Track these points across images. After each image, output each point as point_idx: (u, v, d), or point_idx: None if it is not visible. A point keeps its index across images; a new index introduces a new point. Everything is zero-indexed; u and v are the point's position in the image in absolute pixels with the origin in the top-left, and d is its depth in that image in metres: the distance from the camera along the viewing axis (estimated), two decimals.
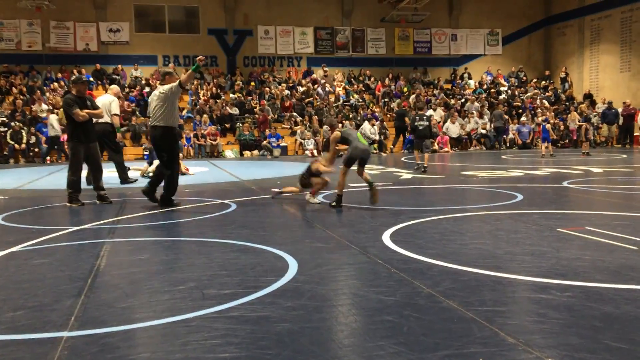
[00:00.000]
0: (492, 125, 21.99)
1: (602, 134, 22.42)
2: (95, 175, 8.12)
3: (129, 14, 23.89)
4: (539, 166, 13.14)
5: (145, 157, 14.69)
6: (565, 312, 3.14)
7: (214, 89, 22.90)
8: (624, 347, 2.62)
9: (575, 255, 4.44)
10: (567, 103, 24.92)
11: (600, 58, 25.06)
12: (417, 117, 12.86)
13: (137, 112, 20.71)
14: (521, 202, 7.43)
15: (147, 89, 22.16)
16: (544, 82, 26.67)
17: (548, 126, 17.33)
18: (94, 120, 8.30)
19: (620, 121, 21.49)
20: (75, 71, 21.21)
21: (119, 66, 23.37)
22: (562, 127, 22.13)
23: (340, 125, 19.98)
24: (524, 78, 26.96)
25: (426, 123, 12.73)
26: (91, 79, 21.46)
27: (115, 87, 11.65)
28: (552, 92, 25.78)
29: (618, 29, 23.94)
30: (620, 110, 21.52)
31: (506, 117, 22.58)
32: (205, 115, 20.14)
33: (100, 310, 3.32)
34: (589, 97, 24.78)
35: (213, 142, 19.20)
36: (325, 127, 7.24)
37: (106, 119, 10.30)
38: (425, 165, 12.39)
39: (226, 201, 7.97)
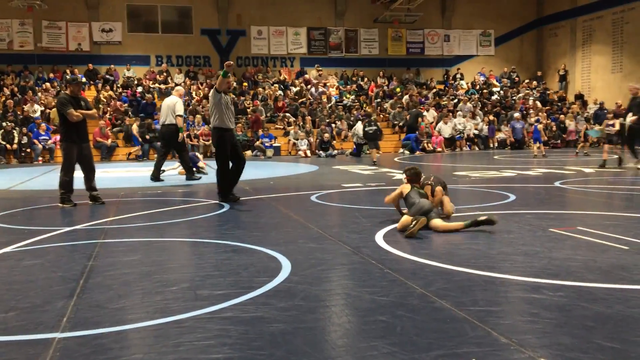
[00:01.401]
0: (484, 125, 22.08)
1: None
2: (88, 176, 8.08)
3: (121, 14, 23.82)
4: (531, 166, 13.19)
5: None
6: (557, 311, 3.15)
7: (206, 89, 22.86)
8: (615, 347, 2.64)
9: (567, 255, 4.46)
10: (560, 103, 25.04)
11: (592, 59, 25.20)
12: (367, 123, 15.62)
13: (130, 113, 20.65)
14: (514, 203, 7.45)
15: (139, 89, 22.12)
16: (535, 82, 26.78)
17: (540, 127, 17.41)
18: (161, 121, 9.03)
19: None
20: (68, 71, 21.14)
21: (112, 66, 23.30)
22: (554, 128, 22.26)
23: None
24: (517, 79, 27.07)
25: (375, 127, 15.42)
26: (84, 79, 21.37)
27: (180, 89, 11.89)
28: (540, 93, 25.86)
29: (610, 30, 24.08)
30: (612, 110, 21.62)
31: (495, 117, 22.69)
32: (198, 116, 20.11)
33: (92, 312, 3.31)
34: (580, 97, 24.91)
35: (206, 143, 19.14)
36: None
37: (171, 120, 10.76)
38: (375, 160, 15.10)
39: (219, 201, 7.95)
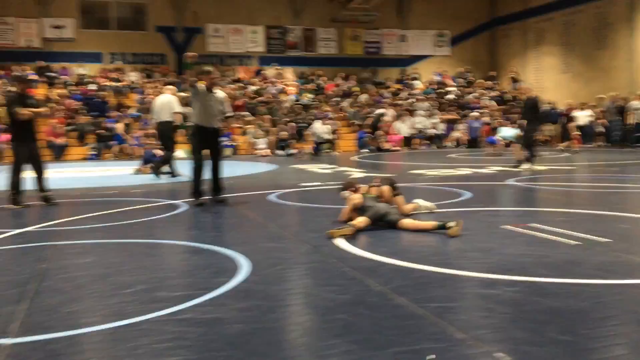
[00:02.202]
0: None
1: (545, 133, 23.16)
2: (39, 176, 7.85)
3: (73, 10, 23.18)
4: (486, 164, 13.47)
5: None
6: (511, 306, 3.22)
7: (162, 86, 22.48)
8: (567, 340, 2.71)
9: (521, 251, 4.57)
10: (514, 103, 25.65)
11: (543, 60, 25.91)
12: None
13: (83, 111, 20.14)
14: (469, 200, 7.60)
15: (93, 87, 21.59)
16: (489, 82, 27.36)
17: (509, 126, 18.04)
18: (156, 119, 9.07)
19: (564, 121, 22.29)
20: (17, 68, 20.44)
21: (63, 63, 22.65)
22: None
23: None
24: (471, 79, 27.60)
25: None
26: (34, 76, 20.71)
27: (172, 87, 12.32)
28: (500, 93, 26.45)
29: (560, 32, 24.81)
30: (562, 110, 22.33)
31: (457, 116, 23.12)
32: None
33: (44, 316, 3.21)
34: None
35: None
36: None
37: (167, 117, 10.94)
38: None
39: (176, 201, 7.85)
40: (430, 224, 5.46)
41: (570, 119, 20.14)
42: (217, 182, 7.85)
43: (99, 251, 4.98)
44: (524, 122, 12.41)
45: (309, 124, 20.82)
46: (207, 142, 7.68)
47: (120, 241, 5.41)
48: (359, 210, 5.71)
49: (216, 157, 7.83)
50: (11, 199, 7.56)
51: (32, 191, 7.95)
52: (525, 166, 12.00)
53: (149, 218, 6.58)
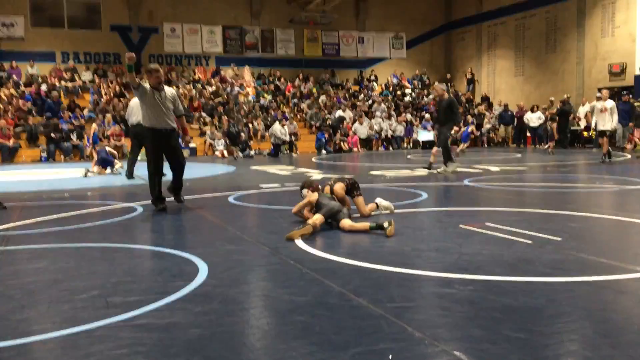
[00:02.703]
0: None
1: (499, 134, 23.74)
2: None
3: (23, 8, 22.50)
4: (442, 165, 13.67)
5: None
6: (468, 305, 3.28)
7: (117, 87, 22.04)
8: (522, 337, 2.78)
9: (476, 250, 4.66)
10: (467, 105, 26.17)
11: (497, 63, 26.53)
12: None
13: (34, 112, 19.55)
14: (426, 200, 7.70)
15: (44, 87, 20.98)
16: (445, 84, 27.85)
17: (471, 128, 18.41)
18: (132, 121, 8.81)
19: (515, 122, 22.89)
20: None
21: (13, 62, 21.94)
22: (461, 128, 23.28)
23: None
24: (427, 81, 28.02)
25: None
26: None
27: None
28: (454, 95, 26.95)
29: (513, 35, 25.45)
30: (515, 112, 22.92)
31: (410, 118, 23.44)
32: (108, 115, 19.33)
33: None
34: (486, 99, 26.16)
35: (117, 143, 18.43)
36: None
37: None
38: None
39: (132, 204, 7.69)
40: (364, 225, 5.48)
41: (554, 120, 20.58)
42: (177, 182, 7.63)
43: (52, 256, 4.84)
44: (446, 123, 11.90)
45: (268, 126, 20.76)
46: (162, 144, 7.29)
47: (74, 245, 5.26)
48: (315, 207, 5.75)
49: (176, 159, 7.52)
50: None
51: None
52: (441, 169, 11.70)
53: (104, 221, 6.43)
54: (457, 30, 28.82)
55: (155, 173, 7.32)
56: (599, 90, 15.94)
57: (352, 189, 6.29)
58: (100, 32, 23.65)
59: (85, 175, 12.02)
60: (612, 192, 8.58)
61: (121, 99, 20.98)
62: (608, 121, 13.74)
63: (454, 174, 11.22)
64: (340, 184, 6.19)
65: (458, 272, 3.96)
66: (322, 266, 4.22)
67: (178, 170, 7.59)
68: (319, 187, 6.19)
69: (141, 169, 11.47)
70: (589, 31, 21.77)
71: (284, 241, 5.10)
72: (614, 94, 20.74)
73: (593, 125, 14.53)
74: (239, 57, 25.57)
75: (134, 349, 2.72)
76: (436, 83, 14.14)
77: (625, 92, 18.98)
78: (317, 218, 5.44)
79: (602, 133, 14.00)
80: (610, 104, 13.78)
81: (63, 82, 21.86)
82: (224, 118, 20.88)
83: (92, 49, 23.50)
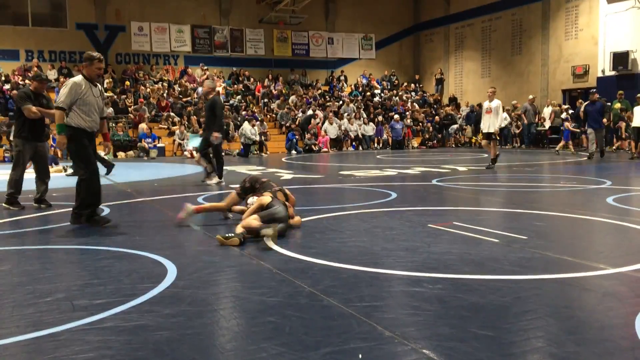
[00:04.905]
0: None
1: (466, 135, 24.08)
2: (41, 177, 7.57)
3: None
4: (410, 165, 13.82)
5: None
6: (436, 303, 3.31)
7: None
8: (489, 335, 2.82)
9: (444, 249, 4.71)
10: (436, 106, 26.47)
11: (464, 64, 26.88)
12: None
13: None
14: (395, 200, 7.76)
15: (7, 86, 20.46)
16: (413, 85, 28.12)
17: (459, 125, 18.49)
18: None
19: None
20: None
21: None
22: (430, 129, 23.61)
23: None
24: (396, 82, 28.24)
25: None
26: None
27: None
28: (421, 96, 27.23)
29: (479, 37, 25.83)
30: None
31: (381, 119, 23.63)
32: None
33: None
34: (454, 100, 26.50)
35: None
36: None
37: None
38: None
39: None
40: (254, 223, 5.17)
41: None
42: (98, 196, 6.29)
43: (14, 259, 4.72)
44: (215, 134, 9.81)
45: (238, 126, 20.65)
46: (90, 148, 6.19)
47: (38, 247, 5.15)
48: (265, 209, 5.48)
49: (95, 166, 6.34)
50: (7, 198, 7.32)
51: None
52: (210, 180, 10.00)
53: (69, 223, 6.29)
54: (426, 32, 29.12)
55: (89, 181, 6.12)
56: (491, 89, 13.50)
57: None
58: (66, 30, 23.18)
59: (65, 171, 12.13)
60: (576, 191, 8.77)
61: None
62: (492, 123, 12.49)
63: (218, 185, 9.77)
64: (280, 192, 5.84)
65: (427, 271, 4.00)
66: (293, 266, 4.22)
67: (98, 179, 6.33)
68: (272, 187, 5.87)
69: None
70: (553, 34, 22.23)
71: (255, 242, 5.07)
72: (578, 95, 21.27)
73: (481, 126, 13.16)
74: (208, 56, 25.36)
75: (100, 352, 2.67)
76: (207, 80, 12.28)
77: (593, 90, 17.16)
78: (254, 218, 5.20)
79: (487, 136, 12.80)
80: (495, 104, 12.53)
81: (27, 81, 21.33)
82: (193, 118, 20.68)
83: (57, 47, 23.01)
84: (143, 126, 19.93)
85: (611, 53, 19.52)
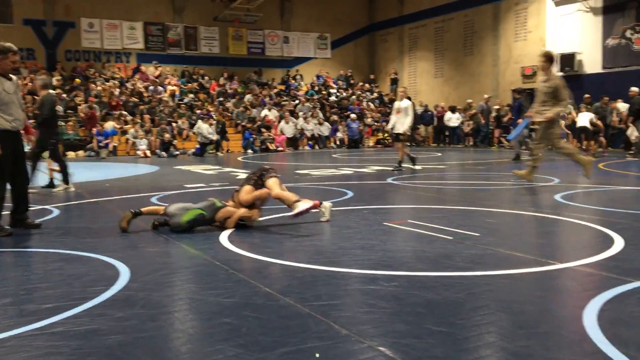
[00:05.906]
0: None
1: (420, 133, 24.44)
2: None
3: None
4: (366, 164, 13.93)
5: None
6: (392, 301, 3.35)
7: (30, 84, 20.92)
8: (444, 331, 2.87)
9: (399, 247, 4.77)
10: (391, 105, 26.76)
11: (418, 64, 27.27)
12: None
13: None
14: (351, 199, 7.81)
15: None
16: (368, 84, 28.36)
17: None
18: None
19: (435, 122, 23.71)
20: None
21: None
22: (386, 128, 23.82)
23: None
24: (352, 81, 28.42)
25: None
26: None
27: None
28: (378, 96, 27.48)
29: (432, 38, 26.24)
30: (434, 112, 23.73)
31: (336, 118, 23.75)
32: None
33: None
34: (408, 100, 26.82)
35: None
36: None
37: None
38: None
39: (47, 207, 7.33)
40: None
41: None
42: (25, 202, 5.99)
43: None
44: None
45: (193, 124, 20.38)
46: (14, 151, 5.73)
47: None
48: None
49: (22, 167, 5.94)
50: None
51: None
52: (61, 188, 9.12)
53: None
54: (380, 32, 29.40)
55: (3, 184, 5.68)
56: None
57: (259, 178, 5.97)
58: (12, 26, 22.36)
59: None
60: (526, 188, 9.01)
61: (35, 96, 19.91)
62: (401, 123, 11.99)
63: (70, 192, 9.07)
64: (246, 187, 5.86)
65: (382, 269, 4.03)
66: (249, 266, 4.19)
67: (24, 183, 6.00)
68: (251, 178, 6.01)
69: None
70: (503, 35, 22.78)
71: (210, 242, 5.02)
72: (528, 95, 21.84)
73: (389, 127, 12.91)
74: (161, 54, 24.94)
75: (49, 358, 2.59)
76: (38, 78, 11.20)
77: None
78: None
79: (396, 137, 12.41)
80: (405, 104, 12.09)
81: None
82: (146, 117, 20.30)
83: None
84: (113, 124, 19.49)
85: (559, 54, 20.15)
